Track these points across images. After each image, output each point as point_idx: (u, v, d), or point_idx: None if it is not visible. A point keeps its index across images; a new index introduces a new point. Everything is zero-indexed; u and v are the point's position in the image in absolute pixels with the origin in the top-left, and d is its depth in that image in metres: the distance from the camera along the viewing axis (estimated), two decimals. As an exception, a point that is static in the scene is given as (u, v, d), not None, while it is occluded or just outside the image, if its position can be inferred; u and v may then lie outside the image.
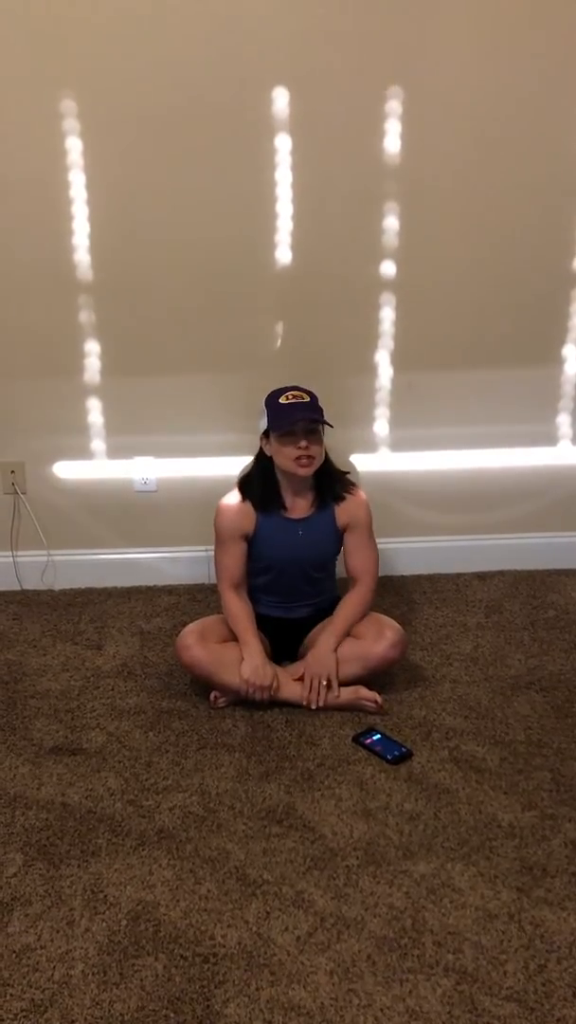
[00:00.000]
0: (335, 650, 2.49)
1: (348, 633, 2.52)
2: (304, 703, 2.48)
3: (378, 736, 2.37)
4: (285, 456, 2.45)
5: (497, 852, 1.97)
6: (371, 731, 2.39)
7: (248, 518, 2.53)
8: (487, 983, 1.65)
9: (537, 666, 2.73)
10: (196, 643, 2.47)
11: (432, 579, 3.30)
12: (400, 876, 1.90)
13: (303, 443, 2.42)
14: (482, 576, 3.31)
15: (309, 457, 2.43)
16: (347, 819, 2.07)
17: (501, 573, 3.33)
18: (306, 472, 2.46)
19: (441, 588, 3.24)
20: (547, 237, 3.01)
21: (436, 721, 2.45)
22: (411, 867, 1.93)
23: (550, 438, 3.26)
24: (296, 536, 2.55)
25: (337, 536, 2.60)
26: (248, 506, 2.54)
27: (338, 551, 2.63)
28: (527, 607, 3.10)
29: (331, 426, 2.48)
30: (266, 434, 2.49)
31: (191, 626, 2.54)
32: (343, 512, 2.57)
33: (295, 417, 2.42)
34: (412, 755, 2.30)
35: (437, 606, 3.11)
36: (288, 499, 2.56)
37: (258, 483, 2.55)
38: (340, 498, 2.57)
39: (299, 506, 2.56)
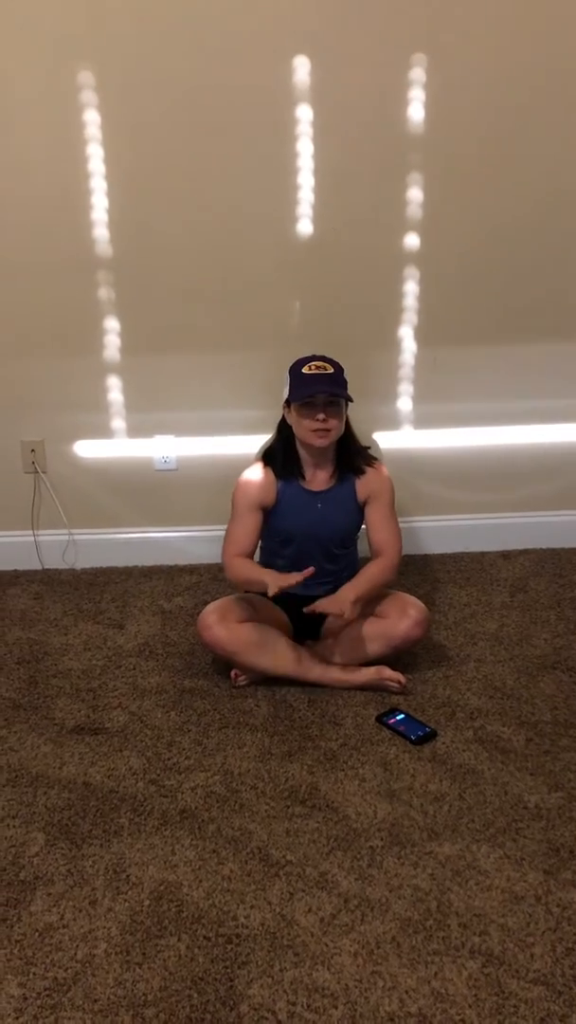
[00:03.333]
0: (354, 601, 2.39)
1: (370, 592, 2.45)
2: (306, 610, 2.40)
3: (402, 716, 2.34)
4: (303, 427, 2.43)
5: (523, 833, 1.94)
6: (395, 711, 2.37)
7: (269, 489, 2.51)
8: (514, 966, 1.63)
9: (563, 646, 2.69)
10: (217, 622, 2.45)
11: (456, 558, 3.26)
12: (425, 857, 1.88)
13: (321, 415, 2.39)
14: (506, 555, 3.27)
15: (326, 430, 2.40)
16: (371, 800, 2.05)
17: (526, 552, 3.29)
18: (322, 443, 2.43)
19: (465, 567, 3.20)
20: None
21: (460, 701, 2.42)
22: (436, 848, 1.91)
23: (577, 414, 3.20)
24: (315, 509, 2.52)
25: (358, 510, 2.56)
26: (269, 476, 2.51)
27: (359, 526, 2.60)
28: (553, 586, 3.06)
29: (351, 400, 2.44)
30: (288, 403, 2.46)
31: (212, 605, 2.52)
32: (364, 486, 2.54)
33: (315, 389, 2.39)
34: (436, 735, 2.28)
35: (461, 585, 3.08)
36: (308, 470, 2.53)
37: (280, 452, 2.52)
38: (361, 471, 2.53)
39: (319, 478, 2.53)
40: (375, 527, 2.55)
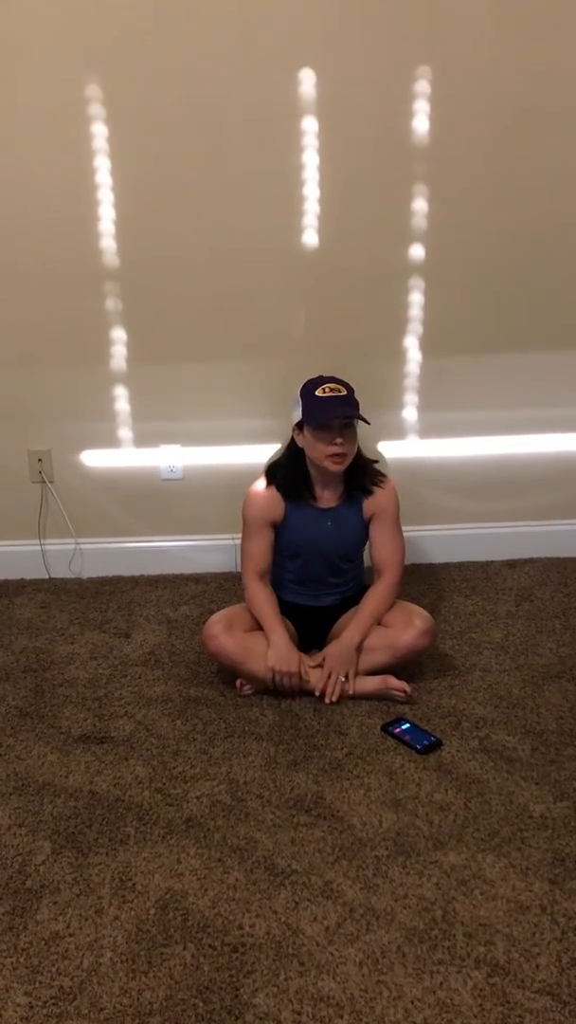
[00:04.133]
0: (358, 646, 2.47)
1: (372, 628, 2.50)
2: (317, 693, 2.46)
3: (407, 725, 2.35)
4: (319, 451, 2.41)
5: (529, 843, 1.94)
6: (400, 720, 2.37)
7: (276, 505, 2.51)
8: (519, 976, 1.62)
9: (569, 655, 2.69)
10: (223, 632, 2.46)
11: (461, 567, 3.27)
12: (430, 867, 1.88)
13: (339, 440, 2.38)
14: (512, 564, 3.28)
15: (343, 454, 2.40)
16: (376, 809, 2.06)
17: (531, 561, 3.29)
18: (338, 469, 2.43)
19: (470, 576, 3.21)
20: (579, 218, 2.96)
21: (466, 710, 2.42)
22: (441, 858, 1.91)
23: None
24: (325, 526, 2.52)
25: (364, 526, 2.57)
26: (275, 493, 2.51)
27: (365, 541, 2.61)
28: (558, 595, 3.06)
29: (368, 423, 2.45)
30: (299, 425, 2.46)
31: (218, 615, 2.52)
32: (370, 503, 2.55)
33: (332, 414, 2.37)
34: (442, 744, 2.28)
35: (466, 594, 3.08)
36: (317, 489, 2.53)
37: (288, 472, 2.52)
38: (369, 492, 2.54)
39: (327, 496, 2.54)
40: (378, 544, 2.56)
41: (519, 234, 2.96)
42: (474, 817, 2.03)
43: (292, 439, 2.51)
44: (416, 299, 3.01)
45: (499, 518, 3.31)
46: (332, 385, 2.41)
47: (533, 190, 2.91)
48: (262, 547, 2.53)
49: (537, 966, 1.64)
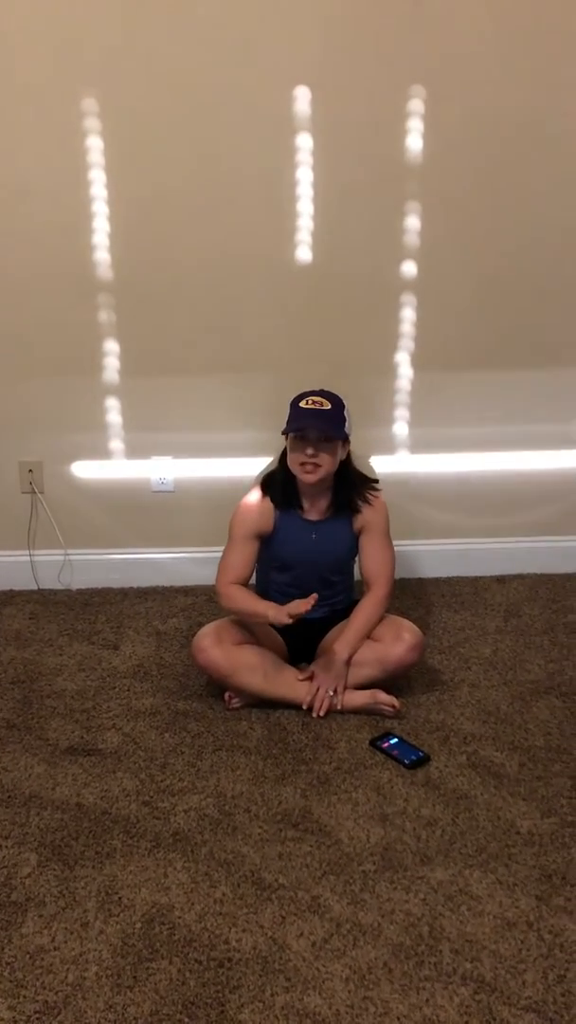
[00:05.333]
0: (348, 661, 2.47)
1: (362, 642, 2.50)
2: (305, 707, 2.46)
3: (395, 740, 2.35)
4: (293, 460, 2.45)
5: (516, 859, 1.94)
6: (388, 735, 2.37)
7: (267, 516, 2.52)
8: (505, 992, 1.62)
9: (557, 671, 2.70)
10: (212, 645, 2.45)
11: (450, 582, 3.28)
12: (417, 882, 1.88)
13: (310, 451, 2.40)
14: (501, 579, 3.29)
15: (315, 465, 2.42)
16: (364, 824, 2.05)
17: (520, 576, 3.30)
18: (310, 479, 2.44)
19: (459, 591, 3.21)
20: (572, 238, 2.99)
21: (454, 726, 2.43)
22: (428, 873, 1.90)
23: (572, 440, 3.22)
24: (310, 539, 2.53)
25: (352, 540, 2.58)
26: (268, 504, 2.52)
27: (354, 553, 2.61)
28: (547, 611, 3.07)
29: (344, 439, 2.46)
30: (285, 433, 2.48)
31: (207, 627, 2.52)
32: (360, 517, 2.55)
33: (304, 423, 2.41)
34: (430, 760, 2.28)
35: (455, 609, 3.09)
36: (306, 501, 2.54)
37: (278, 480, 2.54)
38: (357, 509, 2.55)
39: (316, 508, 2.55)
40: (368, 557, 2.57)
41: (512, 251, 2.99)
42: (461, 833, 2.03)
43: (284, 449, 2.52)
44: (408, 315, 3.03)
45: (489, 534, 3.32)
46: (316, 398, 2.44)
47: (526, 207, 2.94)
48: (244, 559, 2.52)
49: (523, 983, 1.64)
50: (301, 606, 2.28)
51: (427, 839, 2.01)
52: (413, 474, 3.22)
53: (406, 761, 2.26)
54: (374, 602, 2.54)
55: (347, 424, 2.46)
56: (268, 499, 2.52)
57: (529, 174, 2.91)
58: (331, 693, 2.45)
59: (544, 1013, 1.58)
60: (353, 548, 2.59)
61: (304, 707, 2.46)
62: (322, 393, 2.46)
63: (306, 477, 2.44)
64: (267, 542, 2.54)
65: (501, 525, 3.31)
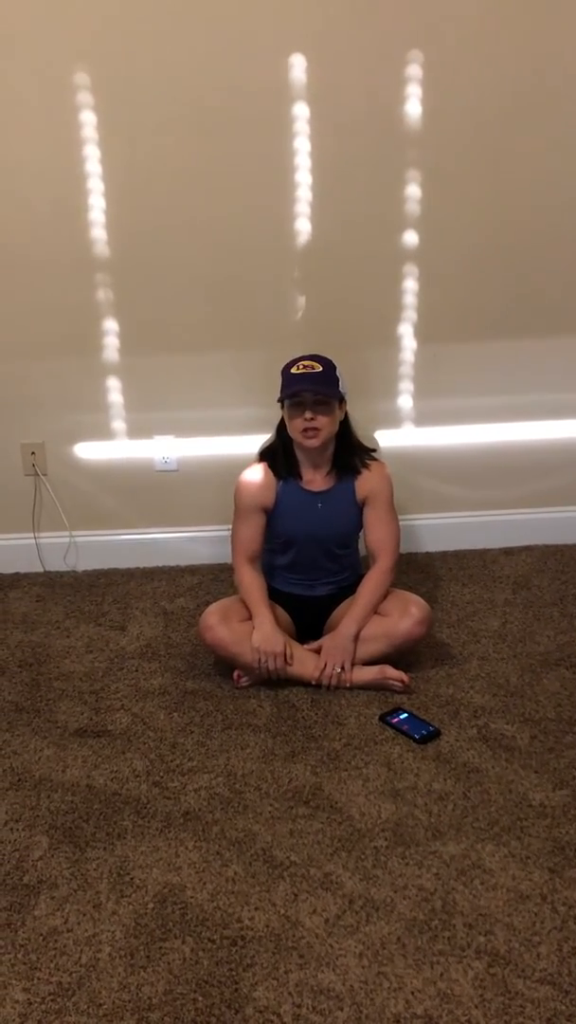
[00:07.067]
0: (355, 637, 2.46)
1: (370, 617, 2.48)
2: (314, 682, 2.45)
3: (405, 715, 2.34)
4: (293, 427, 2.44)
5: (528, 832, 1.94)
6: (398, 710, 2.36)
7: (269, 490, 2.51)
8: (520, 965, 1.62)
9: (567, 642, 2.68)
10: (219, 623, 2.44)
11: (458, 555, 3.25)
12: (429, 857, 1.87)
13: (308, 414, 2.39)
14: (509, 552, 3.26)
15: (315, 429, 2.40)
16: (375, 799, 2.05)
17: (528, 548, 3.28)
18: (312, 444, 2.42)
19: (467, 564, 3.19)
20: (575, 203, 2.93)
21: (464, 699, 2.41)
22: (440, 848, 1.90)
23: (578, 409, 3.19)
24: (315, 509, 2.51)
25: (357, 510, 2.56)
26: (269, 477, 2.51)
27: (360, 526, 2.59)
28: (556, 582, 3.05)
29: (340, 398, 2.44)
30: (280, 402, 2.46)
31: (213, 606, 2.51)
32: (362, 485, 2.53)
33: (299, 388, 2.39)
34: (440, 734, 2.27)
35: (463, 583, 3.07)
36: (306, 471, 2.52)
37: (277, 451, 2.53)
38: (358, 472, 2.53)
39: (317, 478, 2.53)
40: (372, 528, 2.55)
41: (513, 219, 2.94)
42: (473, 806, 2.02)
43: (282, 419, 2.50)
44: (410, 286, 2.99)
45: (496, 506, 3.30)
46: (307, 362, 2.42)
47: (527, 175, 2.89)
48: (253, 532, 2.52)
49: (538, 955, 1.64)
50: (276, 660, 2.41)
51: (439, 814, 2.00)
52: (418, 447, 3.19)
53: (416, 736, 2.25)
54: (379, 574, 2.52)
55: (341, 383, 2.44)
56: (269, 470, 2.51)
57: (532, 140, 2.85)
58: (339, 669, 2.44)
59: (559, 985, 1.58)
60: (358, 520, 2.57)
61: (313, 682, 2.45)
62: (312, 357, 2.44)
63: (308, 442, 2.42)
64: (270, 517, 2.52)
65: (508, 496, 3.29)
